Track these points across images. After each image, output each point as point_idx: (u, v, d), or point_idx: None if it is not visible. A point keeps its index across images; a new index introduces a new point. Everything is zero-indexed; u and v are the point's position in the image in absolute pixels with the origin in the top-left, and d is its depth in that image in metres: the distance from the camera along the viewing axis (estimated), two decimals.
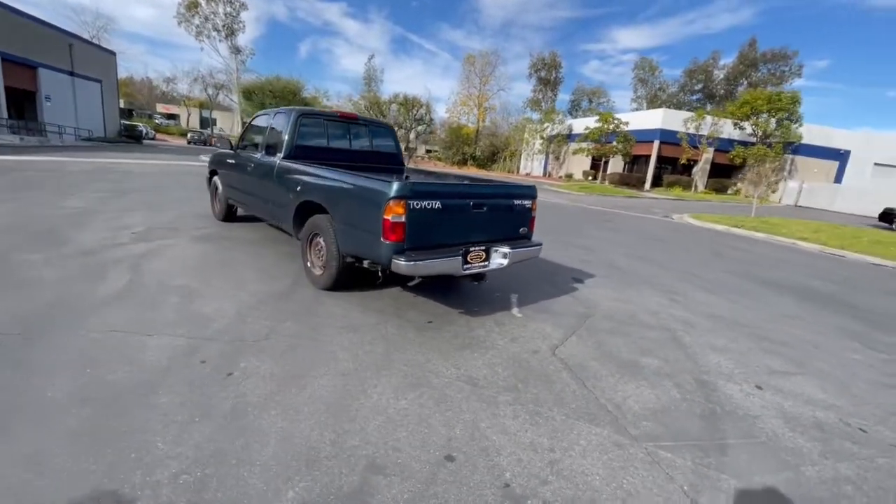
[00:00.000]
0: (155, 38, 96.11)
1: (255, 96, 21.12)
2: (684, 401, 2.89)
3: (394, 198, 3.22)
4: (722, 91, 60.12)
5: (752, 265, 7.86)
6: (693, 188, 33.78)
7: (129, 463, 1.90)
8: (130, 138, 32.58)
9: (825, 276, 7.55)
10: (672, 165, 34.85)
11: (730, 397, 2.99)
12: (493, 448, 2.23)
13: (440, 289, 4.57)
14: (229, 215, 6.66)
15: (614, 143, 31.36)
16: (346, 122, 5.47)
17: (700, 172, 34.38)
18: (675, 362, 3.45)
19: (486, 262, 3.77)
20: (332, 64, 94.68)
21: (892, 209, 21.31)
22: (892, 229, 19.13)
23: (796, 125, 30.03)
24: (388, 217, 3.24)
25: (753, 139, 31.54)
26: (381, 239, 3.30)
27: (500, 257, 3.85)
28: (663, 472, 2.18)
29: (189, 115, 59.35)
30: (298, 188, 4.31)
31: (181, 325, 3.23)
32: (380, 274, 3.92)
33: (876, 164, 34.70)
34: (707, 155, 33.23)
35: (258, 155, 5.28)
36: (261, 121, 5.61)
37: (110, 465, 1.88)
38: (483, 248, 3.80)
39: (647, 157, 33.82)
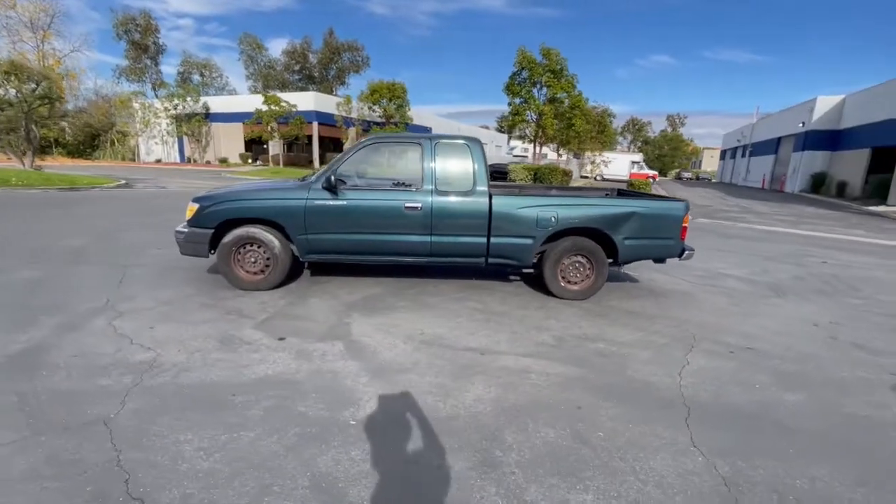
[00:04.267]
0: None
1: None
2: (763, 275, 6.29)
3: (687, 211, 4.80)
4: (317, 74, 67.98)
5: None
6: None
7: None
8: None
9: None
10: (332, 145, 38.53)
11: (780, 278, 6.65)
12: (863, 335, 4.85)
13: None
14: (288, 277, 4.71)
15: (289, 125, 31.30)
16: None
17: None
18: (742, 265, 6.81)
19: None
20: None
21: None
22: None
23: (407, 109, 39.67)
24: (686, 225, 4.80)
25: (383, 121, 39.33)
26: (680, 241, 4.82)
27: None
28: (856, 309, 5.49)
29: None
30: (553, 218, 4.63)
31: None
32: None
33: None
34: (353, 134, 38.76)
35: (428, 192, 4.55)
36: (406, 152, 4.70)
37: None
38: None
39: (308, 137, 35.88)
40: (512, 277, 5.71)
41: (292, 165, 34.61)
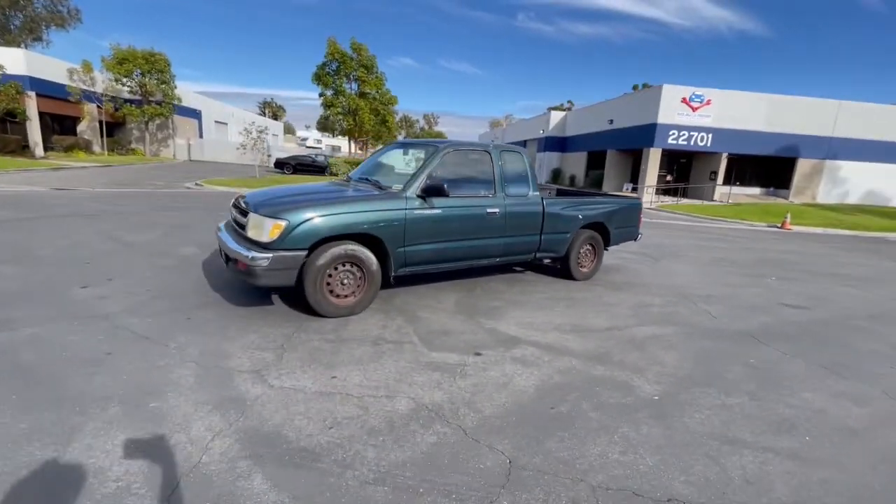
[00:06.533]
0: None
1: None
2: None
3: (641, 205, 6.59)
4: None
5: None
6: (88, 149, 29.61)
7: None
8: None
9: None
10: (59, 125, 28.29)
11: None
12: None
13: None
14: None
15: None
16: None
17: (91, 131, 30.36)
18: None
19: None
20: None
21: (282, 159, 30.68)
22: (285, 173, 28.00)
23: (173, 87, 32.64)
24: (641, 216, 6.59)
25: (139, 98, 31.33)
26: (639, 228, 6.59)
27: None
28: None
29: None
30: (581, 216, 5.66)
31: None
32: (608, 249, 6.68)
33: (216, 121, 44.25)
34: (94, 113, 29.65)
35: (501, 197, 4.87)
36: (479, 159, 4.80)
37: None
38: None
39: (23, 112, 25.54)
40: (517, 269, 6.48)
41: None
